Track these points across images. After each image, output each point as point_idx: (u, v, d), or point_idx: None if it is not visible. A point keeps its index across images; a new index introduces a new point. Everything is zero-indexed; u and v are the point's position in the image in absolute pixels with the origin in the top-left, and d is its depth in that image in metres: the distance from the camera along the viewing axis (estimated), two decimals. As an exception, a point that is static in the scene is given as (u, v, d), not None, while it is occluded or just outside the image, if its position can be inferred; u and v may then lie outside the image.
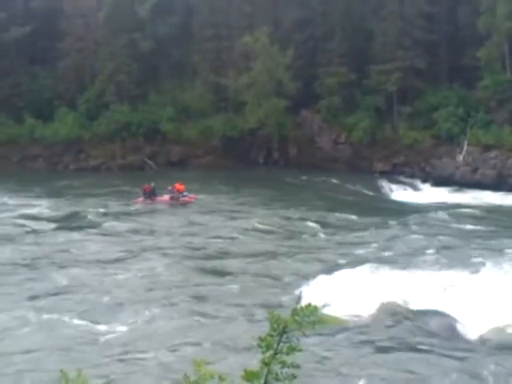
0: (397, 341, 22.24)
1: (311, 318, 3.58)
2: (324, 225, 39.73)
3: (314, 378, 18.72)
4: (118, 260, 31.95)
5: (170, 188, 46.09)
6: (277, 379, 3.54)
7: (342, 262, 30.93)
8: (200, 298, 26.35)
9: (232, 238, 36.28)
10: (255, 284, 28.19)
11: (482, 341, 22.04)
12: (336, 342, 21.96)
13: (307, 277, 27.89)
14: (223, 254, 33.09)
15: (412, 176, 56.42)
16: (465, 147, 54.97)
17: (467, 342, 22.08)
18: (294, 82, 59.53)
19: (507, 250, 32.68)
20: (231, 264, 31.26)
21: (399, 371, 19.95)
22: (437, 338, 22.31)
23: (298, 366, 3.57)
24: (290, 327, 3.58)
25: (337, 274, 27.94)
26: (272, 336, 3.60)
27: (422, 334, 22.71)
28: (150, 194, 46.18)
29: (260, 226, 38.68)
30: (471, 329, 22.76)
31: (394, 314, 24.19)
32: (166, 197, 46.17)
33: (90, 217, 41.48)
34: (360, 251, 33.46)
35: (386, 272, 28.49)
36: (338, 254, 33.06)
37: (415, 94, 59.16)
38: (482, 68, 56.05)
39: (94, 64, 66.42)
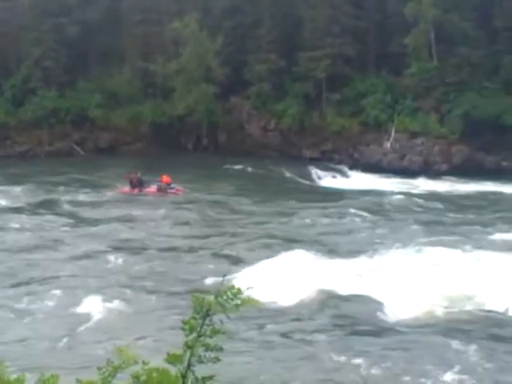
0: (322, 326, 22.41)
1: (235, 301, 3.55)
2: (254, 212, 40.03)
3: (235, 363, 18.81)
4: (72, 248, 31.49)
5: (157, 180, 45.02)
6: (200, 362, 3.51)
7: (269, 248, 31.04)
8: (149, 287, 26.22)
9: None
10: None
11: (409, 324, 22.40)
12: (262, 327, 22.15)
13: (236, 262, 27.98)
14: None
15: (340, 163, 56.99)
16: (392, 134, 55.77)
17: (393, 325, 22.40)
18: (223, 68, 59.46)
19: (432, 235, 33.31)
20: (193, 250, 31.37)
21: (321, 357, 20.10)
22: (362, 323, 22.59)
23: (221, 349, 3.55)
24: (214, 310, 3.55)
25: (265, 259, 28.11)
26: (195, 319, 3.57)
27: (347, 319, 22.96)
28: (137, 184, 44.89)
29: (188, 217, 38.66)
30: (397, 313, 23.11)
31: (321, 300, 24.36)
32: (154, 188, 44.98)
33: (65, 206, 40.68)
34: (288, 238, 33.64)
35: (313, 258, 28.77)
36: (265, 240, 33.17)
37: (344, 81, 59.61)
38: (409, 55, 56.85)
39: (19, 49, 65.09)
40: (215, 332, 3.58)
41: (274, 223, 37.34)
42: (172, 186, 44.63)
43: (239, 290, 3.59)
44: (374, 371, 18.98)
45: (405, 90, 57.63)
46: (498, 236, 33.29)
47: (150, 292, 25.51)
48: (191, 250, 31.65)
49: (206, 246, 32.11)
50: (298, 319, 23.09)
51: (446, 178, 51.84)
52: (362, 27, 60.46)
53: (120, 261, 29.46)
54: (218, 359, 3.57)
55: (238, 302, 3.56)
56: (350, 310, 23.66)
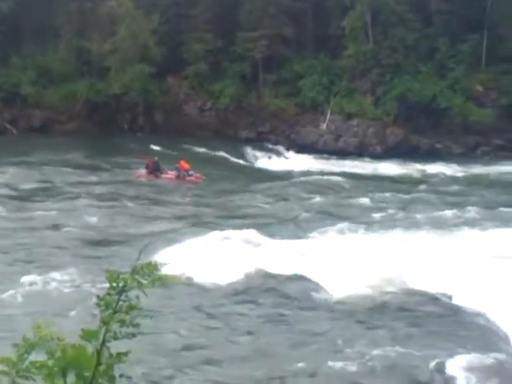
0: (257, 304, 22.56)
1: (151, 276, 3.53)
2: (190, 192, 40.05)
3: (161, 342, 18.91)
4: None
5: (176, 166, 43.30)
6: (115, 338, 3.48)
7: (205, 227, 31.04)
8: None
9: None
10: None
11: (341, 304, 22.65)
12: (197, 305, 22.22)
13: (168, 241, 27.87)
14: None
15: (277, 143, 57.08)
16: (328, 115, 56.06)
17: (326, 305, 22.64)
18: (159, 47, 58.90)
19: (368, 216, 33.65)
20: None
21: (253, 337, 20.24)
22: (297, 302, 22.79)
23: (137, 325, 3.52)
24: (130, 286, 3.52)
25: (198, 239, 28.13)
26: (111, 295, 3.53)
27: (282, 299, 23.13)
28: (154, 169, 43.56)
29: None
30: (331, 293, 23.36)
31: (258, 279, 24.53)
32: (172, 174, 43.48)
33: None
34: (226, 218, 33.73)
35: (248, 237, 28.82)
36: (203, 219, 33.25)
37: (281, 62, 59.64)
38: (346, 37, 57.09)
39: None
40: (131, 308, 3.55)
41: (212, 203, 37.38)
42: (190, 172, 43.11)
43: (155, 265, 3.56)
44: (306, 348, 19.25)
45: (341, 71, 57.92)
46: (431, 216, 33.87)
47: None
48: (127, 230, 31.56)
49: (137, 227, 32.02)
50: (234, 297, 23.22)
51: (381, 159, 52.31)
52: (300, 8, 60.32)
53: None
54: (133, 335, 3.55)
55: (155, 277, 3.53)
56: (287, 289, 23.88)
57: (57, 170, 44.26)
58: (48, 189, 39.75)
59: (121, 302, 3.53)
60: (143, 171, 44.00)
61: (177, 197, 39.24)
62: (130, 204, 36.56)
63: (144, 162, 44.33)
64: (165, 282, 3.52)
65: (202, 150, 53.61)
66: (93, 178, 42.83)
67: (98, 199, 37.17)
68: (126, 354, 3.51)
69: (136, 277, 3.52)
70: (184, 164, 43.44)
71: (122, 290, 3.53)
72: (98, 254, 27.65)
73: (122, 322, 3.51)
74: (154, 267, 3.55)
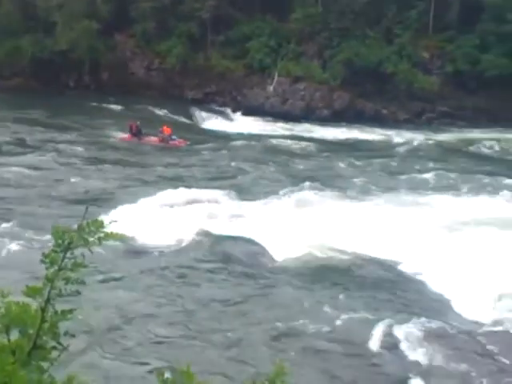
0: (199, 266, 22.64)
1: (97, 234, 3.52)
2: (138, 151, 39.86)
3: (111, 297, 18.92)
4: None
5: (160, 130, 43.39)
6: (60, 295, 3.48)
7: (151, 187, 30.99)
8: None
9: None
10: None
11: (284, 267, 22.81)
12: (139, 265, 22.28)
13: (115, 202, 27.75)
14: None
15: (223, 105, 56.90)
16: (275, 78, 55.97)
17: (269, 268, 22.80)
18: (106, 4, 58.01)
19: (315, 182, 33.61)
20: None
21: (197, 297, 20.33)
22: (240, 264, 22.91)
23: (82, 282, 3.52)
24: (76, 243, 3.51)
25: (146, 198, 28.08)
26: (56, 252, 3.51)
27: (225, 259, 23.23)
28: (137, 133, 43.42)
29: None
30: (274, 255, 23.53)
31: (199, 241, 24.57)
32: (155, 138, 43.43)
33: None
34: (169, 178, 33.69)
35: (194, 197, 28.87)
36: (150, 179, 33.20)
37: (229, 22, 59.20)
38: (294, 0, 56.90)
39: None
40: (77, 266, 3.54)
41: (160, 163, 37.31)
42: (173, 137, 43.28)
43: (101, 223, 3.56)
44: (243, 307, 19.47)
45: (289, 34, 57.75)
46: (377, 182, 34.22)
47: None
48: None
49: (111, 187, 31.87)
50: (176, 257, 23.25)
51: (329, 122, 52.31)
52: (249, -32, 59.90)
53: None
54: (78, 292, 3.55)
55: (101, 235, 3.53)
56: (232, 250, 23.96)
57: (23, 128, 43.68)
58: (21, 145, 39.38)
59: (66, 260, 3.52)
60: (128, 135, 43.91)
61: (115, 152, 39.07)
62: (105, 164, 36.36)
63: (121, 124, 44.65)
64: (111, 239, 3.52)
65: (154, 109, 53.05)
66: (65, 137, 42.43)
67: (74, 159, 37.04)
68: (70, 311, 3.51)
69: (82, 234, 3.51)
70: (166, 129, 43.61)
71: (68, 248, 3.52)
72: (69, 212, 27.27)
73: (67, 280, 3.51)
74: (99, 225, 3.55)
